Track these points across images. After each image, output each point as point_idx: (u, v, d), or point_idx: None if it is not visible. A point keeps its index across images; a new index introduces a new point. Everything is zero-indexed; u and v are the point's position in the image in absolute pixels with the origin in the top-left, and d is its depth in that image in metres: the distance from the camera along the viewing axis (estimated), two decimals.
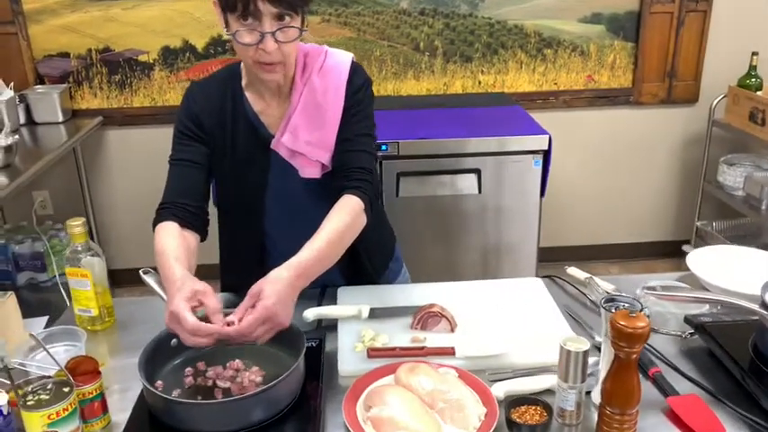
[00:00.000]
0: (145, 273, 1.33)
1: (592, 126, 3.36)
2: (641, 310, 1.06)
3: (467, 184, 2.58)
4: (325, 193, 1.38)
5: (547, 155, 2.53)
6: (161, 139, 3.25)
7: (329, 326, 1.38)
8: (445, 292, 1.46)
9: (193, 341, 1.09)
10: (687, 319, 1.31)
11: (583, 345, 1.02)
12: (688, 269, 1.51)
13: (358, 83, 1.40)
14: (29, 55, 3.10)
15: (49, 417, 0.98)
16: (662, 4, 3.15)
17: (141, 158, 3.27)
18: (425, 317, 1.32)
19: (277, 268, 1.17)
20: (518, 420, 1.05)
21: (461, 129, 2.64)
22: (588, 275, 1.50)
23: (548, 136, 2.50)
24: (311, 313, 1.36)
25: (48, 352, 1.11)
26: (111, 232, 3.41)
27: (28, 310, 1.73)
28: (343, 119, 1.39)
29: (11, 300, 2.44)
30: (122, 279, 3.40)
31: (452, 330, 1.32)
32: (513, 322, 1.35)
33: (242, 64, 1.42)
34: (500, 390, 1.15)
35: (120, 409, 1.15)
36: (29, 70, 3.12)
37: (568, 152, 3.33)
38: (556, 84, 3.28)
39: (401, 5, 3.13)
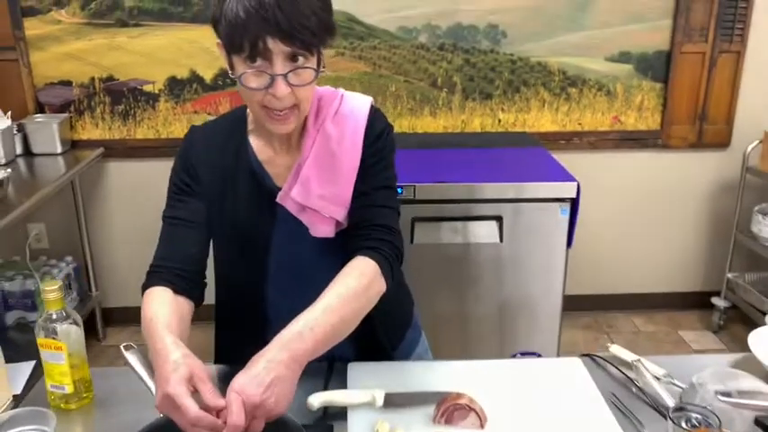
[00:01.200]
0: (126, 349, 1.15)
1: (617, 169, 3.19)
2: (720, 426, 0.87)
3: (487, 231, 2.40)
4: (338, 254, 1.20)
5: (574, 203, 2.35)
6: (163, 172, 3.05)
7: (337, 413, 1.19)
8: (471, 374, 1.28)
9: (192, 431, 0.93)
10: (759, 421, 1.12)
11: None
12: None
13: (378, 129, 1.23)
14: (29, 82, 2.97)
15: None
16: (693, 44, 3.00)
17: (142, 192, 3.11)
18: (451, 409, 1.13)
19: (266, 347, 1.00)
20: None
21: (482, 171, 2.47)
22: (636, 357, 1.31)
23: (576, 183, 2.33)
24: (317, 400, 1.17)
25: None
26: (106, 268, 3.24)
27: (15, 354, 1.56)
28: (361, 170, 1.22)
29: None
30: (117, 318, 3.23)
31: (482, 426, 1.13)
32: (552, 417, 1.16)
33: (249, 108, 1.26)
34: None
35: None
36: (29, 98, 2.98)
37: (592, 195, 3.14)
38: (580, 124, 3.11)
39: (419, 40, 2.98)
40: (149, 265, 1.23)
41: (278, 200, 1.22)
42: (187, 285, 1.20)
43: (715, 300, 3.19)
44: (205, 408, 0.94)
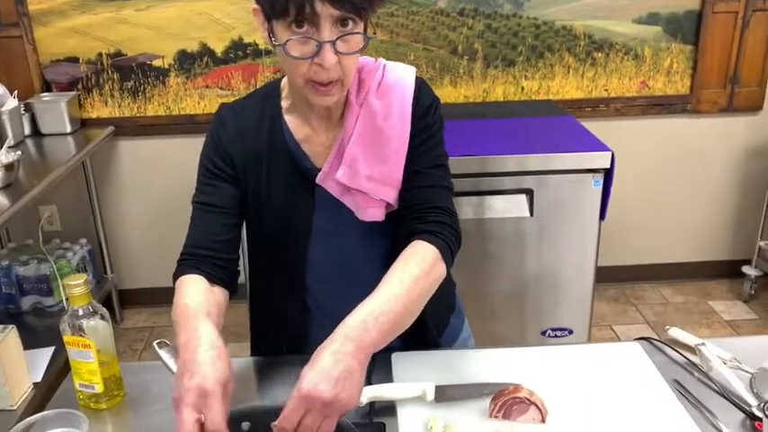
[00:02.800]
0: (160, 346, 1.08)
1: (645, 136, 3.07)
2: None
3: (516, 205, 2.31)
4: (384, 239, 1.12)
5: (608, 174, 2.25)
6: (176, 150, 3.02)
7: (384, 408, 1.11)
8: (525, 362, 1.20)
9: None
10: None
11: None
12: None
13: (426, 103, 1.14)
14: (35, 60, 2.86)
15: None
16: (726, 3, 2.86)
17: (155, 171, 3.03)
18: (510, 403, 1.05)
19: (336, 329, 0.92)
20: None
21: (510, 143, 2.37)
22: (700, 341, 1.23)
23: (610, 153, 2.23)
24: (364, 395, 1.09)
25: None
26: (121, 250, 3.17)
27: (32, 340, 1.50)
28: (411, 147, 1.13)
29: (11, 335, 2.19)
30: (134, 300, 3.18)
31: (543, 420, 1.05)
32: (618, 408, 1.08)
33: (282, 82, 1.16)
34: None
35: None
36: (35, 76, 2.88)
37: (618, 164, 3.03)
38: (606, 90, 2.99)
39: (438, 5, 2.85)
40: (180, 253, 1.15)
41: (318, 181, 1.13)
42: (222, 274, 1.12)
43: (746, 268, 3.10)
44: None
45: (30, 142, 2.75)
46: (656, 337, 1.29)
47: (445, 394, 1.11)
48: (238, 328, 1.37)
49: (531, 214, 2.31)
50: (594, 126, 2.70)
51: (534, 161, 2.26)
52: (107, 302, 3.06)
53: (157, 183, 3.02)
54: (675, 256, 3.29)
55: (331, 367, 0.86)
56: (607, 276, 3.18)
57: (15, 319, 2.69)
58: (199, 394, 0.86)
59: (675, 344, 1.27)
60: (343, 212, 1.13)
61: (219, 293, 1.12)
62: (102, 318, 1.14)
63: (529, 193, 2.30)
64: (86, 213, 3.01)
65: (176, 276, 1.12)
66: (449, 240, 1.09)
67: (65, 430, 1.07)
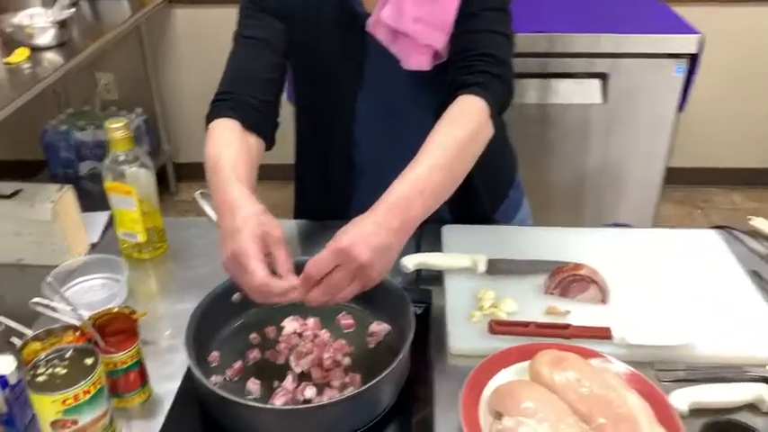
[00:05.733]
0: (202, 195, 1.03)
1: (736, 25, 2.78)
2: None
3: (590, 90, 2.14)
4: (434, 93, 1.01)
5: (694, 60, 2.04)
6: (233, 20, 2.90)
7: (431, 277, 1.05)
8: (588, 242, 1.11)
9: (260, 299, 0.79)
10: None
11: None
12: None
13: None
14: None
15: (64, 402, 0.72)
16: None
17: (212, 42, 2.91)
18: (569, 280, 0.98)
19: (380, 199, 0.83)
20: None
21: (583, 20, 2.16)
22: None
23: (698, 37, 2.01)
24: (411, 262, 1.03)
25: (67, 302, 0.83)
26: (177, 122, 3.15)
27: (89, 203, 1.50)
28: None
29: (68, 194, 2.23)
30: (189, 173, 3.18)
31: (604, 301, 0.98)
32: (687, 295, 1.00)
33: None
34: (683, 400, 0.81)
35: (167, 377, 0.88)
36: None
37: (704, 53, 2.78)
38: None
39: None
40: (215, 93, 1.05)
41: (368, 29, 1.02)
42: (259, 119, 1.02)
43: None
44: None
45: (84, 4, 2.68)
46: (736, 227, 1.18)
47: (497, 267, 1.04)
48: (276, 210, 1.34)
49: (605, 100, 2.14)
50: (679, 8, 2.45)
51: (610, 42, 2.06)
52: (162, 175, 3.08)
53: (213, 55, 2.90)
54: (752, 161, 3.07)
55: (373, 235, 0.78)
56: (675, 177, 2.99)
57: (73, 182, 2.73)
58: (259, 239, 0.80)
59: (757, 235, 1.16)
60: (392, 62, 1.02)
61: (254, 144, 1.01)
62: (145, 166, 1.09)
63: (602, 77, 2.12)
64: (143, 84, 2.97)
65: (209, 119, 1.02)
66: (497, 94, 0.96)
67: (105, 275, 1.06)
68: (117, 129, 1.05)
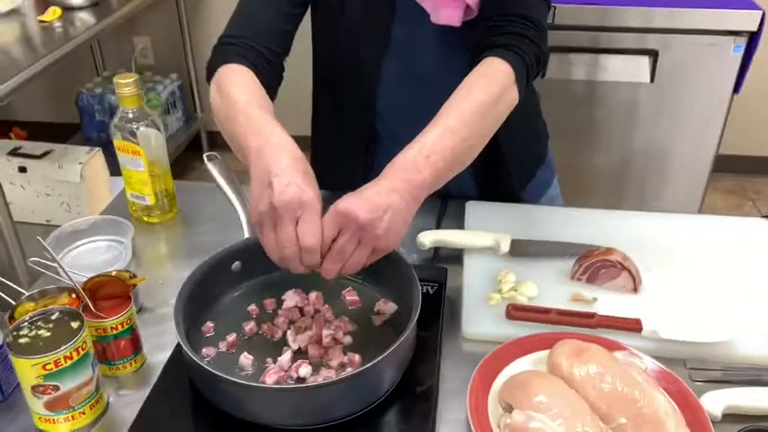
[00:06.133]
0: (209, 159, 0.98)
1: None
2: None
3: (637, 68, 2.02)
4: (462, 52, 0.94)
5: (754, 38, 1.90)
6: None
7: (450, 256, 0.99)
8: (621, 226, 1.03)
9: (288, 260, 0.72)
10: None
11: None
12: None
13: None
14: None
15: (44, 366, 0.68)
16: None
17: None
18: (598, 266, 0.90)
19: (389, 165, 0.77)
20: None
21: None
22: None
23: (760, 13, 1.87)
24: (428, 238, 0.97)
25: (60, 266, 0.79)
26: None
27: (119, 168, 1.49)
28: None
29: (97, 156, 2.21)
30: (220, 141, 3.13)
31: (635, 290, 0.89)
32: (729, 286, 0.91)
33: None
34: (717, 403, 0.73)
35: (163, 347, 0.83)
36: None
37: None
38: None
39: None
40: (218, 38, 0.97)
41: None
42: (269, 71, 0.94)
43: None
44: None
45: None
46: None
47: (521, 249, 0.96)
48: None
49: (652, 80, 2.02)
50: None
51: (663, 16, 1.93)
52: (195, 142, 3.06)
53: None
54: None
55: (372, 195, 0.73)
56: (726, 165, 2.84)
57: (105, 146, 2.74)
58: (297, 206, 0.71)
59: None
60: (423, 23, 0.94)
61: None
62: (155, 126, 1.05)
63: (652, 54, 1.99)
64: (179, 49, 2.94)
65: (217, 63, 0.94)
66: (527, 58, 0.88)
67: (111, 237, 1.02)
68: (126, 84, 1.00)
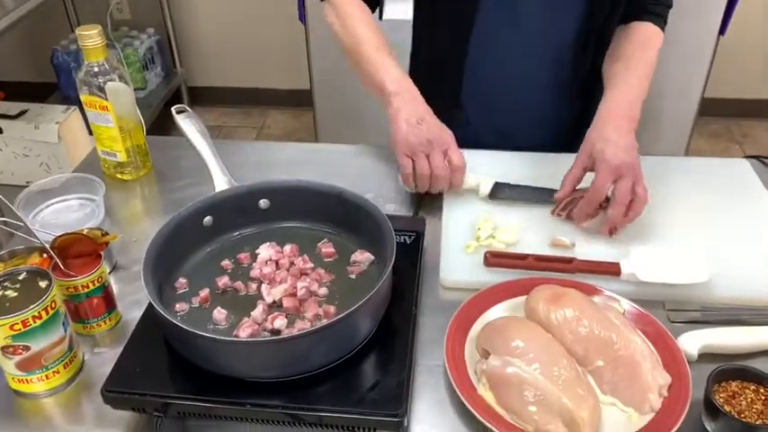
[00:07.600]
0: (179, 112, 0.95)
1: None
2: None
3: None
4: (568, 14, 1.02)
5: None
6: None
7: (431, 203, 0.97)
8: None
9: (442, 182, 0.92)
10: None
11: None
12: None
13: None
14: None
15: (12, 327, 0.67)
16: None
17: None
18: (577, 200, 0.89)
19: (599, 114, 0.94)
20: (730, 411, 0.65)
21: None
22: None
23: None
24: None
25: (26, 224, 0.77)
26: (191, 44, 3.03)
27: None
28: None
29: (74, 115, 2.16)
30: (204, 98, 3.10)
31: (614, 232, 0.89)
32: (709, 227, 0.90)
33: None
34: (694, 343, 0.74)
35: (138, 303, 0.82)
36: None
37: None
38: None
39: None
40: None
41: None
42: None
43: None
44: None
45: None
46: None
47: (503, 192, 0.95)
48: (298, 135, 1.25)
49: None
50: None
51: None
52: (176, 98, 3.00)
53: None
54: None
55: (624, 141, 0.89)
56: (711, 109, 2.82)
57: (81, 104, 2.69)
58: (445, 141, 0.90)
59: None
60: None
61: None
62: (123, 80, 1.01)
63: None
64: (156, 3, 2.85)
65: None
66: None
67: (83, 195, 1.00)
68: (88, 37, 0.96)
